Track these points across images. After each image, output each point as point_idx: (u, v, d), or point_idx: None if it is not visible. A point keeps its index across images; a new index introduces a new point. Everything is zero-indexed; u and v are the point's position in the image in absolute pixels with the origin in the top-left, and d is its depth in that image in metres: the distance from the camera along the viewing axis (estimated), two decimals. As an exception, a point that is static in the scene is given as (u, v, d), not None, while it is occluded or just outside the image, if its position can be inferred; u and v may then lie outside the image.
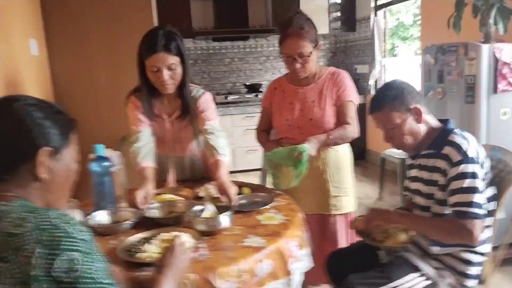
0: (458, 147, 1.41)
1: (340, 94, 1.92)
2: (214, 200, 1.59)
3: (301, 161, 1.73)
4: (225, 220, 1.40)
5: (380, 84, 5.14)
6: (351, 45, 5.75)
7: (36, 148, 0.84)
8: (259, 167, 3.09)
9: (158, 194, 1.72)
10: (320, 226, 2.00)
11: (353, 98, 1.94)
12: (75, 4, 3.00)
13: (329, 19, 5.37)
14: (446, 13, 2.77)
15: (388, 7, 5.09)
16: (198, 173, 2.06)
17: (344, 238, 2.01)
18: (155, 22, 3.70)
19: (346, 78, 1.95)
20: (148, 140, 1.85)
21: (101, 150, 1.56)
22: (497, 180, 1.57)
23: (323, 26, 5.34)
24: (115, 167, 1.67)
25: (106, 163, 1.58)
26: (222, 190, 1.58)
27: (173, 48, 1.70)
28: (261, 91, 5.34)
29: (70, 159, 0.93)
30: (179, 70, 1.75)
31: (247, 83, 5.51)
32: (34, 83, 2.66)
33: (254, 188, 1.86)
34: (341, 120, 1.92)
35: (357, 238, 2.03)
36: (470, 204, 1.35)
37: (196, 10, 5.14)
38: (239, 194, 1.73)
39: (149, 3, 3.24)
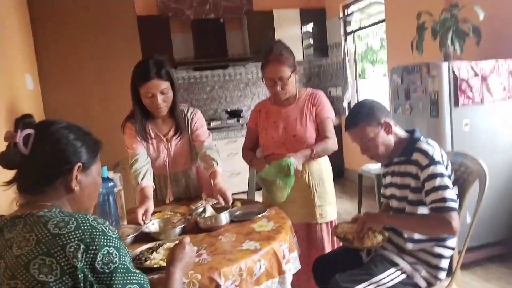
0: (425, 153, 1.61)
1: (319, 112, 2.13)
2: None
3: (289, 174, 1.91)
4: (225, 217, 1.67)
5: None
6: (324, 69, 6.07)
7: (70, 165, 0.99)
8: (243, 190, 3.23)
9: (157, 212, 1.87)
10: (307, 234, 2.17)
11: (330, 115, 2.15)
12: (66, 41, 3.15)
13: (303, 47, 5.69)
14: (408, 37, 3.06)
15: (357, 32, 5.45)
16: (192, 187, 2.21)
17: (329, 244, 2.18)
18: (141, 55, 3.88)
19: (323, 98, 2.17)
20: (145, 161, 2.03)
21: (105, 172, 1.70)
22: (460, 182, 1.78)
23: (297, 53, 5.63)
24: (117, 188, 1.80)
25: (110, 184, 1.71)
26: (221, 194, 1.84)
27: (164, 74, 1.91)
28: (242, 116, 5.55)
29: (96, 174, 1.09)
30: (170, 93, 1.95)
31: (228, 109, 5.72)
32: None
33: (245, 202, 2.02)
34: (321, 135, 2.12)
35: (340, 243, 2.23)
36: (445, 199, 1.53)
37: (177, 42, 5.37)
38: (232, 207, 1.90)
39: (136, 37, 3.42)
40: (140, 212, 1.73)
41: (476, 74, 2.72)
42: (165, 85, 1.91)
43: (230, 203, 1.83)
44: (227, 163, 5.05)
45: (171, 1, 5.18)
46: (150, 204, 1.80)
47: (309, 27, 5.73)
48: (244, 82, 5.93)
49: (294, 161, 1.92)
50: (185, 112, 2.11)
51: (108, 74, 3.26)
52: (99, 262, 0.87)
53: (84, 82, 3.19)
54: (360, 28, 5.30)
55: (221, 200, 1.83)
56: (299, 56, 5.67)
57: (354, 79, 5.46)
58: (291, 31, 5.61)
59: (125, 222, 1.82)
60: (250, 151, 2.27)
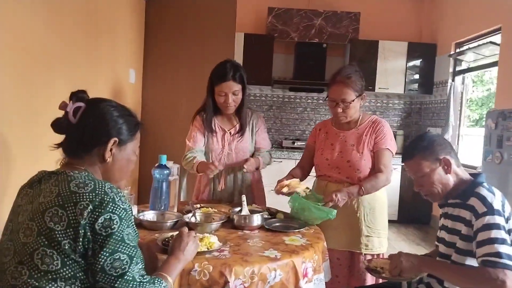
0: (483, 199, 1.46)
1: (378, 141, 2.05)
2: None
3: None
4: (257, 219, 1.78)
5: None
6: (426, 107, 5.73)
7: (109, 137, 1.14)
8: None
9: (202, 207, 1.98)
10: (349, 262, 2.08)
11: (389, 146, 2.06)
12: (172, 44, 3.56)
13: (406, 81, 5.46)
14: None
15: (478, 76, 5.01)
16: (245, 187, 2.32)
17: (372, 278, 2.05)
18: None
19: (385, 127, 2.09)
20: (200, 154, 2.23)
21: (164, 159, 1.87)
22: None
23: (399, 87, 5.44)
24: (173, 177, 1.96)
25: (166, 171, 1.88)
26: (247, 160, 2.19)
27: (238, 78, 2.14)
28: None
29: (131, 151, 1.23)
30: (240, 95, 2.18)
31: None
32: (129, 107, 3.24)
33: (287, 216, 2.03)
34: (375, 166, 2.04)
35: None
36: (499, 254, 1.35)
37: (278, 61, 5.59)
38: (274, 217, 1.93)
39: (231, 51, 3.68)
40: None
41: None
42: (237, 87, 2.15)
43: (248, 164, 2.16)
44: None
45: (279, 22, 5.43)
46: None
47: (416, 61, 5.49)
48: (338, 108, 5.87)
49: (335, 213, 1.82)
50: (250, 115, 2.31)
51: (197, 80, 3.56)
52: (99, 224, 0.99)
53: (178, 82, 3.54)
54: (471, 69, 4.91)
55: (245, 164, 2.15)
56: (400, 89, 5.46)
57: (457, 122, 5.05)
58: (395, 64, 5.44)
59: (175, 210, 1.96)
60: (299, 168, 2.25)
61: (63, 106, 1.13)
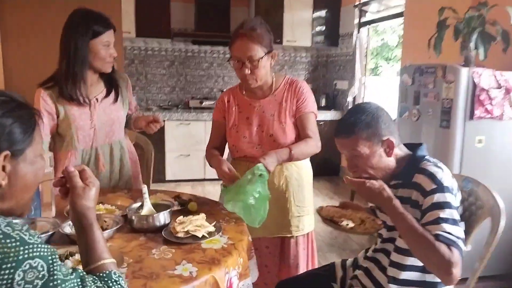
0: (431, 175, 1.25)
1: (300, 106, 1.76)
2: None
3: (264, 184, 1.54)
4: (163, 218, 1.39)
5: (358, 101, 5.06)
6: (332, 60, 5.67)
7: None
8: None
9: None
10: (280, 249, 1.83)
11: (313, 109, 1.79)
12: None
13: (312, 33, 5.27)
14: (427, 35, 2.68)
15: (374, 25, 5.03)
16: (124, 162, 1.94)
17: (304, 262, 1.85)
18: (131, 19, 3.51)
19: (305, 88, 1.79)
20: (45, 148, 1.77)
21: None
22: (466, 215, 1.43)
23: (305, 39, 5.25)
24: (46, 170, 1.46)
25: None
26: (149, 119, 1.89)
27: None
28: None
29: (34, 157, 0.83)
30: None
31: (225, 90, 5.34)
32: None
33: (203, 203, 1.68)
34: (302, 134, 1.76)
35: (315, 262, 1.90)
36: (451, 234, 1.15)
37: (176, 11, 4.98)
38: (184, 208, 1.56)
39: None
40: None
41: (499, 85, 2.35)
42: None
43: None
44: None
45: (175, -35, 4.77)
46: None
47: (322, 12, 5.30)
48: (245, 63, 5.53)
49: (263, 165, 1.52)
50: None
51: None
52: (19, 283, 0.67)
53: (47, 42, 2.84)
54: (375, 21, 4.88)
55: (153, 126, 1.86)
56: (307, 42, 5.27)
57: (363, 74, 5.07)
58: (301, 14, 5.19)
59: (52, 214, 1.48)
60: (216, 153, 1.79)
61: None
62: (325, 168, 5.20)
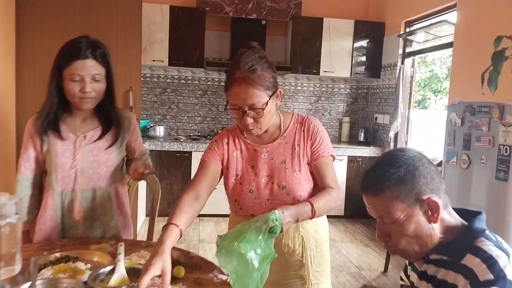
0: (489, 260, 0.91)
1: (317, 149, 1.46)
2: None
3: (271, 239, 1.23)
4: None
5: (401, 138, 4.64)
6: (373, 92, 5.30)
7: None
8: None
9: (58, 260, 1.30)
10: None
11: (332, 151, 1.49)
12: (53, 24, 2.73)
13: (352, 63, 4.98)
14: (480, 68, 2.31)
15: (422, 56, 4.65)
16: (109, 211, 1.68)
17: None
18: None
19: (319, 127, 1.49)
20: (26, 187, 1.62)
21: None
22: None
23: (344, 70, 4.96)
24: (6, 220, 1.25)
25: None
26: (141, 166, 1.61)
27: (99, 56, 1.54)
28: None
29: None
30: (103, 83, 1.56)
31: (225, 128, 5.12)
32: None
33: (195, 265, 1.39)
34: (320, 183, 1.45)
35: None
36: None
37: (211, 39, 4.89)
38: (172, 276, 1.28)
39: (138, 25, 2.92)
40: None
41: None
42: (99, 70, 1.53)
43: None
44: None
45: (210, -6, 4.69)
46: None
47: (363, 42, 5.01)
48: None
49: (280, 216, 1.24)
50: (119, 113, 1.70)
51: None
52: None
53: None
54: (422, 51, 4.50)
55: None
56: (346, 72, 4.97)
57: (407, 107, 4.67)
58: (341, 44, 4.92)
59: (16, 270, 1.26)
60: (191, 197, 1.36)
61: None
62: (361, 210, 4.75)
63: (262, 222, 1.19)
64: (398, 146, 4.65)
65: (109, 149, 1.63)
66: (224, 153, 1.50)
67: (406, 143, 4.68)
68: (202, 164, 1.48)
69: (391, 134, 4.63)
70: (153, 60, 4.61)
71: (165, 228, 1.24)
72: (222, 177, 1.54)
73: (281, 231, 1.22)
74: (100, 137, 1.62)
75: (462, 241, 0.99)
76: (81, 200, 1.61)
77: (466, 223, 1.04)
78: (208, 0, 4.69)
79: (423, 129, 4.98)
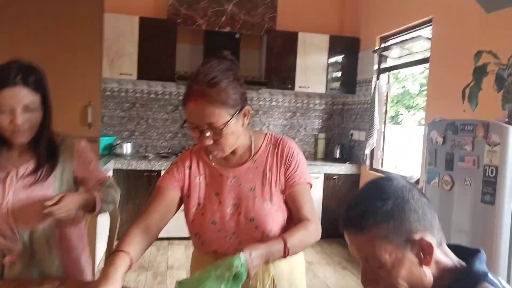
0: None
1: (292, 175, 1.28)
2: None
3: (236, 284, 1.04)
4: None
5: (377, 154, 4.55)
6: (348, 108, 5.22)
7: None
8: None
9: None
10: None
11: (309, 178, 1.31)
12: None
13: (327, 79, 4.89)
14: (458, 83, 2.21)
15: (394, 73, 4.62)
16: (54, 253, 1.44)
17: None
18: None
19: (296, 150, 1.32)
20: None
21: None
22: None
23: (319, 85, 4.86)
24: None
25: None
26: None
27: (32, 83, 1.31)
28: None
29: None
30: (39, 112, 1.36)
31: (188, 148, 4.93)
32: None
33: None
34: (295, 215, 1.27)
35: None
36: None
37: (183, 53, 4.70)
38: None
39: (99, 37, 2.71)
40: None
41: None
42: (32, 98, 1.32)
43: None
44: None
45: (182, 6, 4.52)
46: None
47: (338, 57, 4.93)
48: (255, 109, 5.15)
49: (245, 259, 1.05)
50: (60, 142, 1.47)
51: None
52: None
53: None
54: (396, 67, 4.45)
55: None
56: (321, 88, 4.87)
57: (382, 123, 4.59)
58: (316, 59, 4.84)
59: None
60: (140, 231, 1.19)
61: None
62: (337, 229, 4.59)
63: (225, 269, 1.00)
64: (374, 163, 4.56)
65: (45, 184, 1.40)
66: (184, 179, 1.30)
67: (382, 160, 4.59)
68: (157, 191, 1.28)
69: (367, 151, 4.54)
70: (121, 74, 4.38)
71: (114, 254, 1.06)
72: (182, 205, 1.34)
73: (248, 276, 1.03)
74: (34, 171, 1.39)
75: (462, 286, 0.83)
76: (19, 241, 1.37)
77: (464, 263, 0.89)
78: (179, 12, 4.53)
79: (398, 145, 4.92)
